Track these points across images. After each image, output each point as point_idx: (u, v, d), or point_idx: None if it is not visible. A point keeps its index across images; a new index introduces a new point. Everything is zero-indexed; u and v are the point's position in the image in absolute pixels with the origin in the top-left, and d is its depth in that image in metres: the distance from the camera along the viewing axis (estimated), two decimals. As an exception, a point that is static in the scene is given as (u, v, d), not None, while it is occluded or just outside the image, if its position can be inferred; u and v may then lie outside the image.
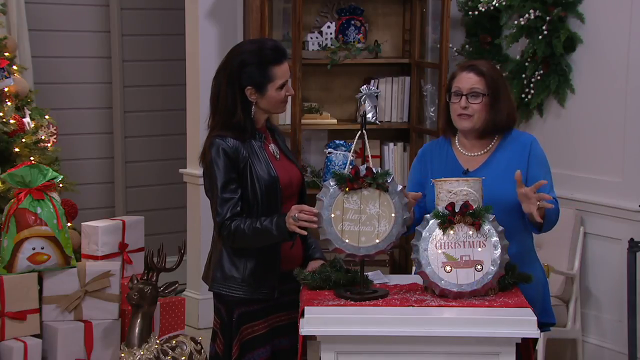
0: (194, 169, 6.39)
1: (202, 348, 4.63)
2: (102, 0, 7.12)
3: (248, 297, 3.75)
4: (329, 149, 6.04)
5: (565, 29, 5.63)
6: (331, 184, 3.52)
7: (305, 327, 3.36)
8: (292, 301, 3.77)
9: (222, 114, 3.74)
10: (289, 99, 3.87)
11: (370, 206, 3.51)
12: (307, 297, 3.52)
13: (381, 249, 3.52)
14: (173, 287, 4.68)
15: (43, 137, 5.42)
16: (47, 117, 5.58)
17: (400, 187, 3.54)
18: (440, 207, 3.54)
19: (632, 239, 5.13)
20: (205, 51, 6.30)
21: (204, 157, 3.77)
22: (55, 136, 5.56)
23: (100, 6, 7.13)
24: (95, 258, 5.02)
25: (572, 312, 5.46)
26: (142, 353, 4.43)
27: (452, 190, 3.54)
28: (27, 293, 4.74)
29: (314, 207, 3.53)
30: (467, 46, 6.18)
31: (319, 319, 3.37)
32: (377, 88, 6.14)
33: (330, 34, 6.10)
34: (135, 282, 4.55)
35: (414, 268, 3.67)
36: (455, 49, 6.16)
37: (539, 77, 5.75)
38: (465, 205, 3.50)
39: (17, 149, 5.27)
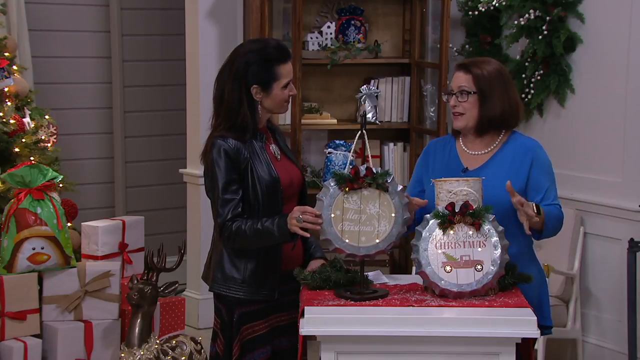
0: (194, 169, 6.39)
1: (202, 348, 4.63)
2: (102, 0, 7.12)
3: (248, 298, 3.75)
4: (329, 149, 6.04)
5: (565, 29, 5.63)
6: (331, 184, 3.52)
7: (305, 327, 3.36)
8: (292, 301, 3.77)
9: (226, 114, 3.74)
10: (290, 98, 3.88)
11: (370, 206, 3.51)
12: (307, 297, 3.52)
13: (381, 249, 3.52)
14: (173, 287, 4.68)
15: (43, 137, 5.42)
16: (47, 117, 5.58)
17: (400, 187, 3.54)
18: (440, 207, 3.54)
19: (632, 239, 5.13)
20: (205, 51, 6.30)
21: (204, 156, 3.77)
22: (55, 136, 5.56)
23: (100, 6, 7.13)
24: (95, 258, 5.02)
25: (572, 312, 5.46)
26: (142, 353, 4.43)
27: (452, 190, 3.54)
28: (27, 293, 4.74)
29: (314, 207, 3.53)
30: (467, 46, 6.18)
31: (319, 319, 3.37)
32: (377, 88, 6.14)
33: (330, 34, 6.10)
34: (135, 282, 4.55)
35: (414, 268, 3.67)
36: (455, 49, 6.16)
37: (539, 77, 5.75)
38: (465, 205, 3.50)
39: (17, 149, 5.27)
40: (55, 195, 4.88)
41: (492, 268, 3.49)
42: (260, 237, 3.64)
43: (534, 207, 3.63)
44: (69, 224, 5.05)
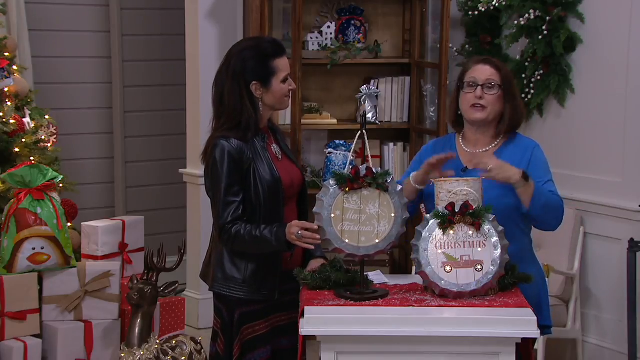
0: (194, 169, 6.39)
1: (202, 348, 4.63)
2: (102, 0, 7.12)
3: (249, 298, 3.75)
4: (329, 149, 6.04)
5: (565, 29, 5.63)
6: (331, 184, 3.52)
7: (305, 327, 3.36)
8: (292, 301, 3.77)
9: (228, 114, 3.73)
10: (292, 94, 3.88)
11: (370, 206, 3.51)
12: (307, 297, 3.52)
13: (381, 249, 3.52)
14: (173, 287, 4.68)
15: (43, 137, 5.42)
16: (47, 117, 5.58)
17: (400, 187, 3.54)
18: (440, 207, 3.54)
19: (632, 239, 5.13)
20: (205, 51, 6.30)
21: (206, 156, 3.77)
22: (55, 136, 5.56)
23: (100, 6, 7.13)
24: (95, 258, 5.02)
25: (572, 312, 5.46)
26: (142, 353, 4.43)
27: (452, 190, 3.55)
28: (27, 293, 4.74)
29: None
30: (467, 46, 6.18)
31: (319, 319, 3.37)
32: (377, 88, 6.14)
33: (330, 34, 6.10)
34: (135, 282, 4.55)
35: (414, 268, 3.67)
36: (455, 49, 6.16)
37: (539, 77, 5.75)
38: (465, 205, 3.50)
39: (17, 149, 5.27)
40: (55, 195, 4.88)
41: (492, 268, 3.49)
42: (258, 244, 3.66)
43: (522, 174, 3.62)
44: (69, 224, 5.05)
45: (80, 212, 5.61)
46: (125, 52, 7.21)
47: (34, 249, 4.72)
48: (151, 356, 4.43)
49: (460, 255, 3.49)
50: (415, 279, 3.70)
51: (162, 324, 5.09)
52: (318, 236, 3.52)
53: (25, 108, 5.52)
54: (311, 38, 6.10)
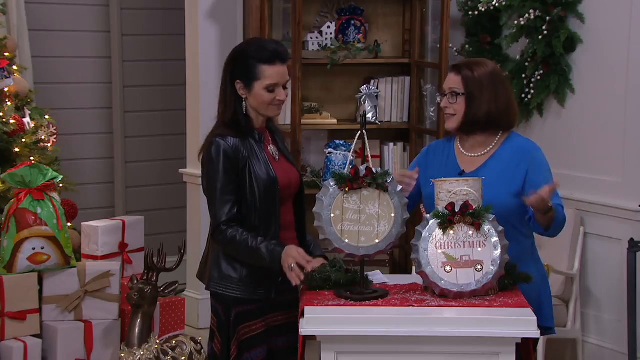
0: (194, 169, 6.39)
1: (202, 348, 4.63)
2: (102, 0, 7.12)
3: (245, 297, 3.75)
4: (329, 149, 6.04)
5: (565, 29, 5.63)
6: (331, 184, 3.52)
7: (305, 327, 3.35)
8: (289, 301, 3.76)
9: (222, 108, 3.76)
10: (288, 100, 3.87)
11: (370, 206, 3.51)
12: (307, 297, 3.52)
13: (381, 249, 3.52)
14: (173, 287, 4.68)
15: (43, 137, 5.42)
16: (47, 117, 5.59)
17: (400, 187, 3.54)
18: (440, 207, 3.54)
19: (632, 239, 5.13)
20: (205, 51, 6.30)
21: (202, 154, 3.78)
22: (55, 136, 5.56)
23: (100, 6, 7.13)
24: (95, 258, 5.03)
25: (572, 312, 5.46)
26: (142, 353, 4.43)
27: (452, 190, 3.54)
28: (27, 293, 4.74)
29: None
30: (467, 46, 6.18)
31: (319, 319, 3.37)
32: (377, 88, 6.14)
33: (330, 34, 6.10)
34: (135, 282, 4.55)
35: (414, 268, 3.67)
36: (455, 49, 6.16)
37: (539, 77, 5.75)
38: (465, 205, 3.50)
39: (17, 149, 5.27)
40: (55, 195, 4.88)
41: (492, 268, 3.48)
42: (251, 256, 3.66)
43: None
44: (69, 224, 5.05)
45: (80, 212, 5.62)
46: (125, 52, 7.21)
47: (34, 249, 4.72)
48: (151, 356, 4.44)
49: (460, 255, 3.49)
50: (415, 279, 3.70)
51: (162, 324, 5.09)
52: (302, 277, 3.53)
53: (25, 108, 5.53)
54: (311, 38, 6.10)
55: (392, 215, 3.51)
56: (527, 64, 5.78)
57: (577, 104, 5.71)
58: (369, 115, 6.01)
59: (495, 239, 3.50)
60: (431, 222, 3.52)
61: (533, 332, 3.33)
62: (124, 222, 5.16)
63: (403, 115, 6.27)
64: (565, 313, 5.45)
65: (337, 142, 6.04)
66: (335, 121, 6.15)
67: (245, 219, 3.72)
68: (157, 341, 4.51)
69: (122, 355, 4.47)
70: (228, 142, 3.70)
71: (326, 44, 6.08)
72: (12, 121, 5.28)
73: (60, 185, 5.23)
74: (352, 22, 6.14)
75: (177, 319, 5.18)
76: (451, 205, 3.51)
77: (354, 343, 3.37)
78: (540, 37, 5.67)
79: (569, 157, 5.71)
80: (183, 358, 4.53)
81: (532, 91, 5.79)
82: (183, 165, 6.71)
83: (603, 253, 5.57)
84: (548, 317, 3.86)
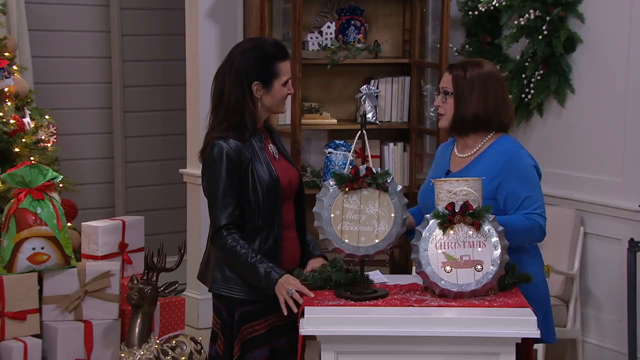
0: (194, 169, 6.39)
1: (202, 348, 4.63)
2: (102, 0, 7.12)
3: (249, 298, 3.75)
4: (329, 149, 6.04)
5: (565, 29, 5.63)
6: (331, 184, 3.52)
7: (305, 327, 3.36)
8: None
9: (227, 113, 3.73)
10: (290, 97, 3.89)
11: (370, 206, 3.51)
12: (308, 297, 3.52)
13: (381, 249, 3.52)
14: (173, 287, 4.68)
15: (43, 137, 5.42)
16: (47, 117, 5.58)
17: (400, 187, 3.55)
18: (440, 207, 3.54)
19: (632, 239, 5.13)
20: (205, 51, 6.30)
21: (203, 155, 3.77)
22: (55, 136, 5.56)
23: (100, 6, 7.13)
24: (95, 258, 5.03)
25: (572, 312, 5.46)
26: (142, 353, 4.43)
27: (452, 190, 3.54)
28: (27, 293, 4.74)
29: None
30: (467, 46, 6.18)
31: (319, 319, 3.37)
32: (377, 88, 6.14)
33: (330, 34, 6.10)
34: (135, 282, 4.55)
35: (414, 268, 3.67)
36: (455, 49, 6.16)
37: (539, 77, 5.75)
38: (465, 205, 3.50)
39: (17, 149, 5.27)
40: (55, 195, 4.88)
41: (492, 268, 3.49)
42: (247, 271, 3.67)
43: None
44: (69, 224, 5.05)
45: (80, 212, 5.62)
46: (125, 52, 7.21)
47: (34, 249, 4.72)
48: (151, 356, 4.44)
49: (460, 255, 3.49)
50: (415, 279, 3.70)
51: (162, 324, 5.09)
52: (295, 310, 3.53)
53: (25, 108, 5.52)
54: (311, 38, 6.10)
55: (392, 215, 3.51)
56: (527, 64, 5.77)
57: (577, 104, 5.70)
58: (369, 115, 6.01)
59: (495, 239, 3.50)
60: (431, 222, 3.53)
61: (533, 332, 3.34)
62: (124, 222, 5.16)
63: (403, 115, 6.27)
64: (565, 313, 5.45)
65: (337, 142, 6.04)
66: (335, 121, 6.15)
67: (249, 220, 3.72)
68: (157, 341, 4.51)
69: (122, 355, 4.47)
70: (230, 144, 3.70)
71: (326, 44, 6.08)
72: (12, 121, 5.28)
73: (60, 185, 5.23)
74: (352, 22, 6.14)
75: (177, 319, 5.18)
76: (451, 205, 3.51)
77: (354, 343, 3.37)
78: (540, 37, 5.67)
79: (569, 157, 5.71)
80: (183, 358, 4.53)
81: (532, 91, 5.78)
82: (183, 165, 6.71)
83: (603, 253, 5.57)
84: (546, 330, 3.78)
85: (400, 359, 3.40)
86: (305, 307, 3.42)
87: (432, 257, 3.50)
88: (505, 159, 3.75)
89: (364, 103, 6.05)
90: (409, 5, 6.27)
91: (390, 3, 6.31)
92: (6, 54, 5.46)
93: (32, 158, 5.25)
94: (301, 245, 3.90)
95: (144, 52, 7.29)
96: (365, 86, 6.07)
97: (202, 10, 6.28)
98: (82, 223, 5.17)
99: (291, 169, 3.88)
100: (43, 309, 4.81)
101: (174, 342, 4.58)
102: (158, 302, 4.74)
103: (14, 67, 5.53)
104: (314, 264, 3.78)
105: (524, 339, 3.41)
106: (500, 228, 3.51)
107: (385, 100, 6.22)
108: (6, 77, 5.33)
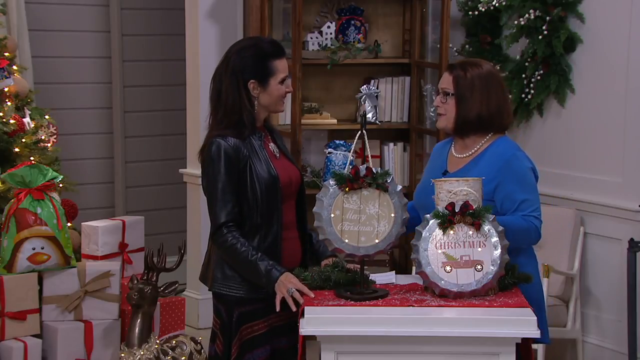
0: (194, 169, 6.39)
1: (202, 348, 4.63)
2: (102, 0, 7.12)
3: (248, 297, 3.75)
4: (329, 149, 6.04)
5: (565, 29, 5.63)
6: (331, 183, 3.52)
7: (305, 327, 3.36)
8: (291, 300, 3.77)
9: (225, 112, 3.74)
10: (289, 97, 3.89)
11: (370, 206, 3.51)
12: (308, 297, 3.52)
13: (381, 249, 3.52)
14: (173, 287, 4.68)
15: (43, 137, 5.42)
16: (47, 117, 5.58)
17: (400, 187, 3.54)
18: (440, 207, 3.54)
19: (632, 239, 5.13)
20: (205, 51, 6.30)
21: (202, 155, 3.78)
22: (55, 136, 5.56)
23: (100, 6, 7.13)
24: (95, 258, 5.03)
25: (572, 312, 5.46)
26: (142, 353, 4.43)
27: (452, 190, 3.54)
28: (27, 293, 4.74)
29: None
30: (467, 46, 6.18)
31: (319, 319, 3.37)
32: (377, 88, 6.14)
33: (330, 34, 6.10)
34: (135, 282, 4.55)
35: (414, 268, 3.67)
36: (455, 49, 6.16)
37: (539, 77, 5.75)
38: (465, 205, 3.50)
39: (17, 149, 5.27)
40: (55, 195, 4.88)
41: (492, 268, 3.49)
42: (247, 269, 3.67)
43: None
44: (69, 224, 5.05)
45: (80, 212, 5.62)
46: (125, 52, 7.22)
47: (34, 249, 4.72)
48: (151, 356, 4.44)
49: (460, 255, 3.49)
50: (415, 279, 3.70)
51: (162, 324, 5.09)
52: (295, 308, 3.52)
53: (25, 108, 5.52)
54: (311, 38, 6.10)
55: (392, 215, 3.51)
56: (527, 64, 5.77)
57: (577, 104, 5.70)
58: (369, 115, 6.01)
59: (495, 239, 3.50)
60: (431, 222, 3.53)
61: (533, 332, 3.34)
62: (124, 222, 5.16)
63: (403, 115, 6.27)
64: (565, 313, 5.45)
65: (337, 142, 6.04)
66: (335, 121, 6.15)
67: (248, 218, 3.72)
68: (157, 341, 4.51)
69: (122, 355, 4.47)
70: (229, 142, 3.70)
71: (326, 44, 6.08)
72: (12, 121, 5.28)
73: (60, 185, 5.23)
74: (352, 22, 6.14)
75: (177, 319, 5.18)
76: (451, 205, 3.51)
77: (354, 343, 3.37)
78: (540, 37, 5.67)
79: (569, 157, 5.71)
80: (183, 358, 4.53)
81: (532, 91, 5.78)
82: (183, 165, 6.71)
83: (603, 253, 5.57)
84: (544, 328, 3.77)
85: (400, 359, 3.40)
86: (305, 307, 3.42)
87: (432, 257, 3.50)
88: (503, 161, 3.75)
89: (364, 103, 6.05)
90: (409, 5, 6.27)
91: (390, 3, 6.31)
92: (6, 54, 5.46)
93: (32, 158, 5.25)
94: (304, 245, 3.90)
95: (144, 52, 7.29)
96: (365, 86, 6.07)
97: (202, 10, 6.28)
98: (82, 223, 5.17)
99: (292, 168, 3.88)
100: (43, 309, 4.82)
101: (174, 342, 4.58)
102: (158, 302, 4.74)
103: (14, 67, 5.53)
104: (327, 264, 3.79)
105: (523, 339, 3.41)
106: (500, 228, 3.51)
107: (385, 100, 6.22)
108: (6, 77, 5.34)
